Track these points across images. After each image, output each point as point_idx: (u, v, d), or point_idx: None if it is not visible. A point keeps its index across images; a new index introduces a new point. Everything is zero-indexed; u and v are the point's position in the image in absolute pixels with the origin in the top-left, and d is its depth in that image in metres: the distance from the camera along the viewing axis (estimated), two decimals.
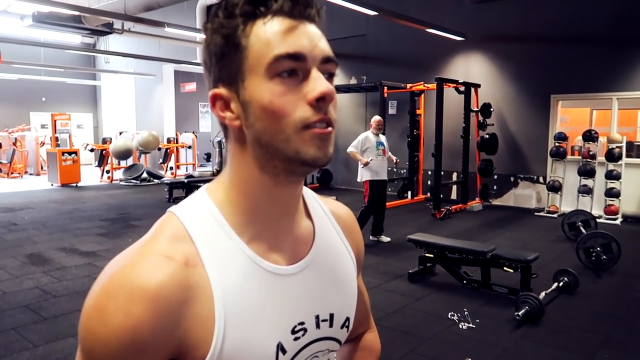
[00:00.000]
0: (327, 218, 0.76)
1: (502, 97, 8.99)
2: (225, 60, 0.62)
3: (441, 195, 8.16)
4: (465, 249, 4.46)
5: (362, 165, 5.92)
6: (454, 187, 9.57)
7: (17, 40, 12.70)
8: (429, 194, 9.43)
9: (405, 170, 9.77)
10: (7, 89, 16.57)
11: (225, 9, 0.62)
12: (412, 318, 3.81)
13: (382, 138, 6.07)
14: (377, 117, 6.11)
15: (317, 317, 0.69)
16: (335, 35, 10.94)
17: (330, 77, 0.63)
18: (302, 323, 0.67)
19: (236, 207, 0.65)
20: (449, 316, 3.78)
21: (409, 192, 9.59)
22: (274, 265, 0.65)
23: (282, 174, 0.63)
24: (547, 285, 4.25)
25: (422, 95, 9.41)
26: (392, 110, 10.27)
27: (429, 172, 9.43)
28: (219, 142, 11.33)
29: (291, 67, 0.59)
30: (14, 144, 14.39)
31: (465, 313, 3.80)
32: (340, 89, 10.26)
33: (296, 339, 0.66)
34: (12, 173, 14.17)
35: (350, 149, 5.98)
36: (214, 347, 0.59)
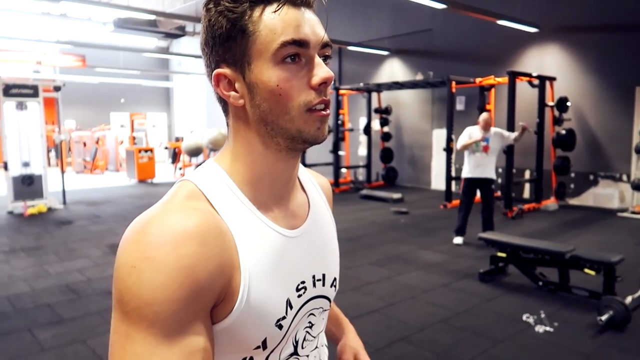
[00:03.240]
0: (316, 190, 0.84)
1: (580, 91, 8.45)
2: (231, 43, 0.64)
3: (513, 194, 7.82)
4: (541, 249, 4.23)
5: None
6: (527, 186, 9.14)
7: (99, 45, 13.59)
8: (499, 192, 9.07)
9: None
10: (90, 91, 17.83)
11: None
12: (483, 319, 3.67)
13: (492, 132, 5.61)
14: (485, 115, 5.65)
15: (314, 277, 0.75)
16: (399, 31, 10.71)
17: (325, 59, 0.67)
18: (303, 282, 0.72)
19: (242, 177, 0.69)
20: (524, 318, 3.61)
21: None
22: (281, 228, 0.70)
23: (285, 149, 0.68)
24: (632, 290, 3.94)
25: (492, 89, 9.06)
26: (460, 106, 9.97)
27: (499, 170, 9.07)
28: None
29: (295, 52, 0.63)
30: (97, 142, 15.43)
31: (542, 316, 3.61)
32: (405, 85, 10.06)
33: (299, 296, 0.71)
34: (94, 169, 15.19)
35: (459, 144, 5.59)
36: (241, 296, 0.62)
